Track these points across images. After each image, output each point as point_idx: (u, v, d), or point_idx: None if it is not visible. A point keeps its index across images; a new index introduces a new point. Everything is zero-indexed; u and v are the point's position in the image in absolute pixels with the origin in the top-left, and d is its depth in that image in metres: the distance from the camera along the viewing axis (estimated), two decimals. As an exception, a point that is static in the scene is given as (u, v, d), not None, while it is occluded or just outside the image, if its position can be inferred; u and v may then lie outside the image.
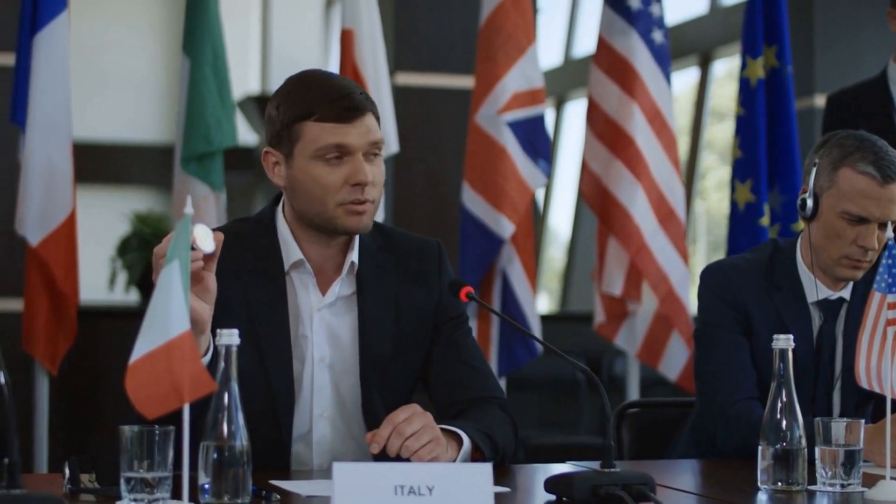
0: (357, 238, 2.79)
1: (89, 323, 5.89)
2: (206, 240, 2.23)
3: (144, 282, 10.69)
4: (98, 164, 14.43)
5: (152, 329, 1.98)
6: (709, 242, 11.60)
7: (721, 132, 11.08)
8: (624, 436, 3.36)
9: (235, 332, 2.13)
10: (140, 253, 10.73)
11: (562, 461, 2.87)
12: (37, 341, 5.14)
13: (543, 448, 6.79)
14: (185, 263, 2.00)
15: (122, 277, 11.01)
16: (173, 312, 1.97)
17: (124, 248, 10.90)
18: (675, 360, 5.83)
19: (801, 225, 5.41)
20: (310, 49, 14.80)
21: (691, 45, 10.32)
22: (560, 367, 7.18)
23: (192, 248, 2.21)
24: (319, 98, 2.67)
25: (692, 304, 5.95)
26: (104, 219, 12.49)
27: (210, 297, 2.41)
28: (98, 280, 10.87)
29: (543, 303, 12.75)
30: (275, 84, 14.47)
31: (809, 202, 3.05)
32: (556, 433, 6.94)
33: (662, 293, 5.76)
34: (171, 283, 1.99)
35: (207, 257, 2.37)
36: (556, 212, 12.69)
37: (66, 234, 5.10)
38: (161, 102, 15.76)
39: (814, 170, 3.05)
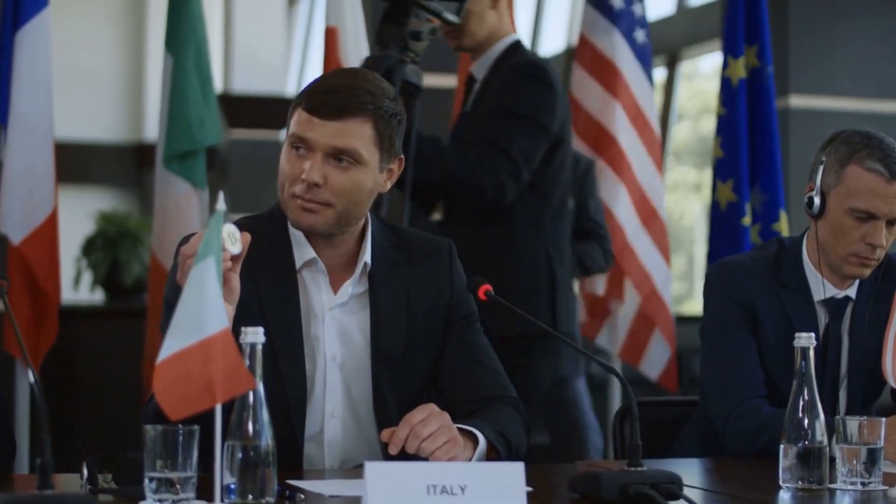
0: (369, 238, 2.77)
1: (64, 322, 5.83)
2: (233, 240, 2.20)
3: (109, 281, 10.62)
4: (62, 163, 14.30)
5: (184, 327, 1.95)
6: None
7: (678, 132, 11.10)
8: (626, 435, 3.34)
9: (260, 330, 2.11)
10: (105, 252, 10.64)
11: (551, 461, 2.86)
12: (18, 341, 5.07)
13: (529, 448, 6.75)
14: (219, 260, 1.97)
15: (87, 277, 10.92)
16: (210, 309, 1.93)
17: (89, 248, 10.82)
18: (656, 359, 5.85)
19: (783, 224, 5.48)
20: (273, 48, 14.72)
21: (658, 46, 10.34)
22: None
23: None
24: (308, 88, 2.68)
25: (674, 303, 5.96)
26: (68, 218, 12.37)
27: (234, 298, 2.39)
28: (63, 279, 10.76)
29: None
30: (238, 83, 14.40)
31: (817, 200, 3.05)
32: (541, 433, 6.90)
33: (645, 293, 5.77)
34: (206, 280, 1.95)
35: (234, 258, 2.34)
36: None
37: (48, 232, 5.03)
38: (124, 102, 15.66)
39: (821, 167, 3.05)
